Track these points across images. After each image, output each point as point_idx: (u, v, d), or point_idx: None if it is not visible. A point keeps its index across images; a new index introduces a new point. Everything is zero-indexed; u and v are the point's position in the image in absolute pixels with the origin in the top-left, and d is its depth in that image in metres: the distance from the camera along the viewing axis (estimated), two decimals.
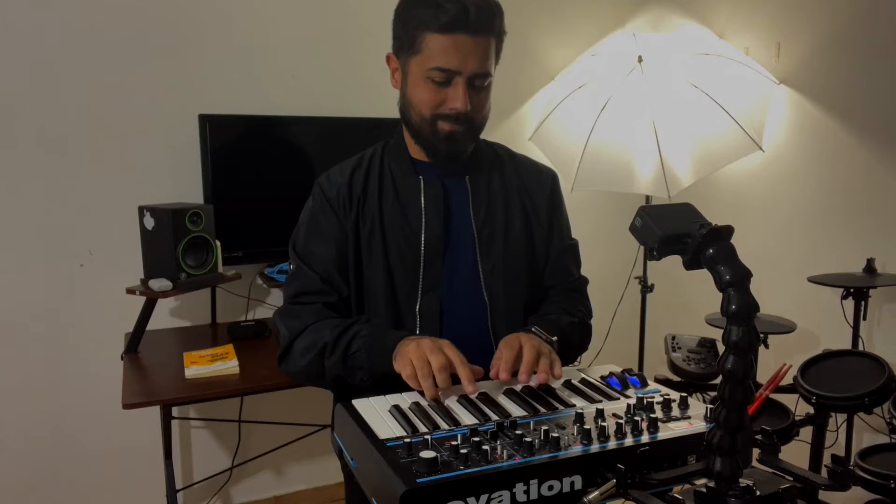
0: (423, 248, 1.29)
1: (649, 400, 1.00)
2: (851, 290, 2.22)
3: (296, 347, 1.25)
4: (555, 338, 1.23)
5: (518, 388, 1.10)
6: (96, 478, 2.49)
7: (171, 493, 2.04)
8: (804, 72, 2.54)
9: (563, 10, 3.07)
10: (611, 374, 1.15)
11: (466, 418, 0.98)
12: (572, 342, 1.33)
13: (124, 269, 2.32)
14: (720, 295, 0.73)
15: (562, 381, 1.13)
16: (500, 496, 0.79)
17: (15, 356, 2.34)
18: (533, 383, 1.10)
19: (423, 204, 1.30)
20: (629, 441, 0.88)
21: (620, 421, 0.92)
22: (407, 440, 0.85)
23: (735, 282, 0.73)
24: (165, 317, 2.51)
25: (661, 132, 2.51)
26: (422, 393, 1.06)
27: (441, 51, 1.18)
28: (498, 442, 0.87)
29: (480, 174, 1.36)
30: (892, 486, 1.61)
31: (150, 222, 2.17)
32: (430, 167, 1.32)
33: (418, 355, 1.08)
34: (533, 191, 1.40)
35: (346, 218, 1.30)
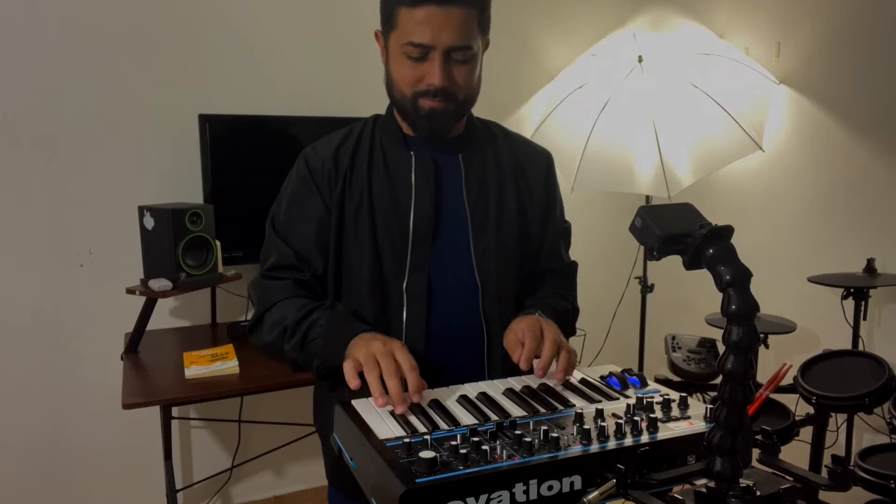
0: (412, 227, 1.26)
1: (649, 400, 0.99)
2: (851, 290, 2.22)
3: (265, 322, 1.25)
4: (555, 326, 1.22)
5: (518, 387, 1.10)
6: (96, 478, 2.49)
7: (171, 493, 2.04)
8: (804, 72, 2.54)
9: (563, 10, 3.07)
10: (611, 374, 1.15)
11: (466, 418, 0.97)
12: (567, 329, 1.34)
13: (124, 269, 2.32)
14: (720, 295, 0.73)
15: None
16: (499, 496, 0.79)
17: (15, 356, 2.34)
18: (550, 381, 1.10)
19: (413, 181, 1.27)
20: (629, 441, 0.88)
21: (620, 421, 0.92)
22: (406, 440, 0.85)
23: (735, 282, 0.73)
24: (165, 317, 2.51)
25: (661, 132, 2.51)
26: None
27: (413, 25, 1.14)
28: (497, 442, 0.87)
29: (475, 152, 1.32)
30: (892, 486, 1.61)
31: (150, 222, 2.17)
32: (422, 143, 1.29)
33: (367, 359, 1.04)
34: (528, 171, 1.37)
35: (330, 192, 1.27)
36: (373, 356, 1.04)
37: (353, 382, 1.03)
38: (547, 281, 1.41)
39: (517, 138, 1.42)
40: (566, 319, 1.34)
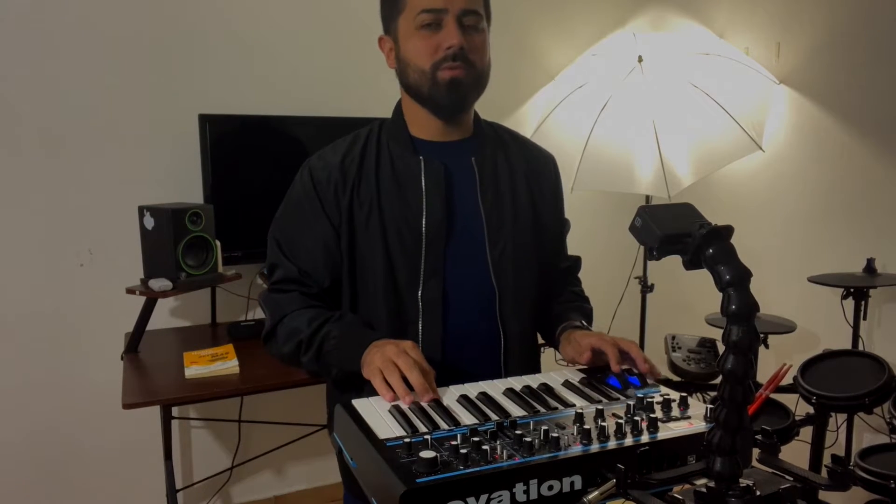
0: (424, 232, 1.25)
1: (649, 400, 1.00)
2: (851, 290, 2.21)
3: (279, 333, 1.26)
4: None
5: (518, 387, 1.10)
6: (96, 478, 2.49)
7: (171, 493, 2.04)
8: (804, 72, 2.54)
9: (563, 10, 3.07)
10: (611, 374, 1.15)
11: (466, 418, 0.98)
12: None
13: (124, 269, 2.32)
14: (720, 295, 0.73)
15: (562, 380, 1.13)
16: (499, 496, 0.79)
17: (15, 356, 2.34)
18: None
19: (423, 185, 1.25)
20: (629, 441, 0.88)
21: (620, 421, 0.92)
22: (407, 440, 0.85)
23: (735, 282, 0.73)
24: (165, 317, 2.51)
25: (661, 132, 2.51)
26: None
27: None
28: (498, 442, 0.87)
29: (486, 155, 1.32)
30: (892, 486, 1.61)
31: (150, 222, 2.17)
32: (431, 146, 1.29)
33: (384, 363, 1.08)
34: (539, 176, 1.39)
35: (337, 204, 1.26)
36: (389, 360, 1.08)
37: (388, 395, 1.05)
38: (564, 281, 1.46)
39: (525, 141, 1.43)
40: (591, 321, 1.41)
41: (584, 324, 1.33)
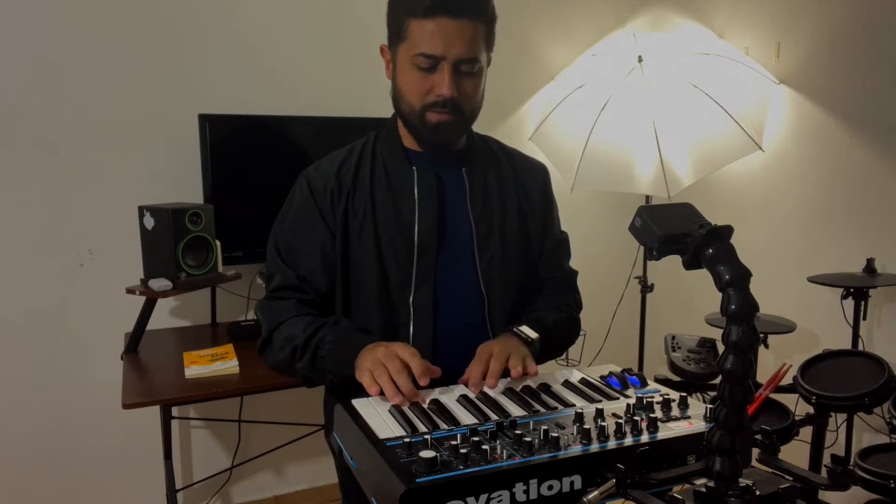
0: (416, 240, 1.28)
1: (649, 400, 1.00)
2: (851, 290, 2.22)
3: (274, 341, 1.27)
4: (535, 336, 1.24)
5: (518, 387, 1.10)
6: (96, 477, 2.49)
7: (171, 493, 2.04)
8: (804, 72, 2.54)
9: (563, 10, 3.07)
10: (611, 374, 1.15)
11: (466, 418, 0.98)
12: (558, 338, 1.34)
13: (124, 269, 2.32)
14: (720, 295, 0.73)
15: (562, 380, 1.14)
16: (499, 496, 0.79)
17: (15, 356, 2.34)
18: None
19: (416, 195, 1.29)
20: (629, 441, 0.88)
21: (620, 421, 0.92)
22: (407, 440, 0.85)
23: (735, 281, 0.73)
24: (165, 317, 2.51)
25: (661, 132, 2.51)
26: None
27: (424, 36, 1.17)
28: (497, 442, 0.87)
29: (476, 167, 1.34)
30: (892, 486, 1.61)
31: (150, 222, 2.17)
32: (424, 157, 1.31)
33: (374, 364, 1.09)
34: (528, 186, 1.40)
35: (333, 211, 1.28)
36: (379, 361, 1.09)
37: (373, 389, 1.07)
38: (545, 291, 1.42)
39: (514, 153, 1.44)
40: (557, 331, 1.33)
41: (520, 330, 1.26)
